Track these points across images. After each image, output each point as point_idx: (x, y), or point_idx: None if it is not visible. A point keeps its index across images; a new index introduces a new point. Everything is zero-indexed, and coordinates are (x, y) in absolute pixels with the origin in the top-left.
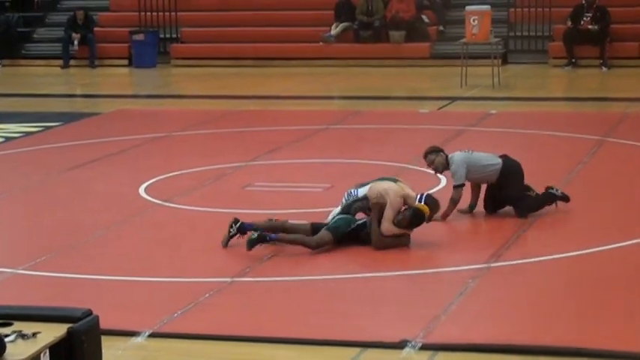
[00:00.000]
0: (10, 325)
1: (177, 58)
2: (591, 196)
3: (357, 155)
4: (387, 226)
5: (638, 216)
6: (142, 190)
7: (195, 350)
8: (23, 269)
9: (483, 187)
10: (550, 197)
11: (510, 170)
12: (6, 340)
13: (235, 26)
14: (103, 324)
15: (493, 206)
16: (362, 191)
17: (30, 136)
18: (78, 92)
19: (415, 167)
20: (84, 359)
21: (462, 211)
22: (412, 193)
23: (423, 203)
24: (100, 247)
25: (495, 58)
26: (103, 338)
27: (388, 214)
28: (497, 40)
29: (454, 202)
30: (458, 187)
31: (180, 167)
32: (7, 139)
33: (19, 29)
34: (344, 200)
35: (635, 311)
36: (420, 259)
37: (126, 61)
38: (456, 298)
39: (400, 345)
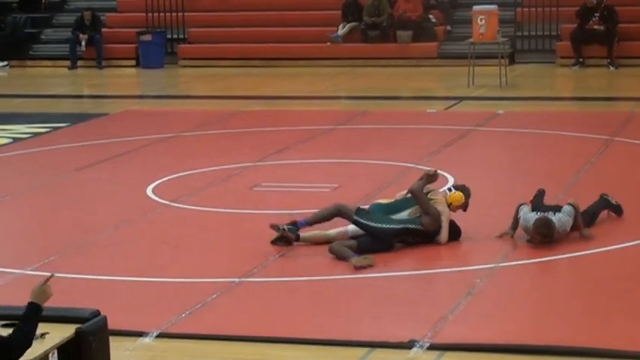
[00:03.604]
0: None
1: (184, 59)
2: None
3: (365, 155)
4: (445, 237)
5: None
6: (149, 191)
7: (202, 350)
8: (31, 270)
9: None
10: (604, 203)
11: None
12: None
13: (242, 27)
14: (111, 324)
15: None
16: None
17: (38, 137)
18: (85, 93)
19: (422, 167)
20: (92, 359)
21: (502, 235)
22: (441, 192)
23: (454, 191)
24: (108, 248)
25: (503, 57)
26: (111, 338)
27: (445, 226)
28: (504, 39)
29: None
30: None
31: (187, 167)
32: (15, 139)
33: (27, 30)
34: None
35: None
36: (428, 259)
37: (133, 62)
38: (464, 299)
39: (408, 345)
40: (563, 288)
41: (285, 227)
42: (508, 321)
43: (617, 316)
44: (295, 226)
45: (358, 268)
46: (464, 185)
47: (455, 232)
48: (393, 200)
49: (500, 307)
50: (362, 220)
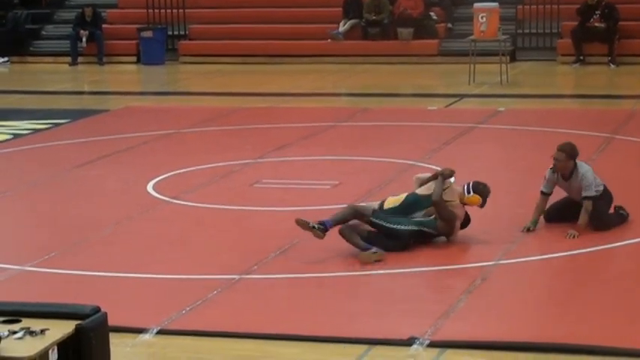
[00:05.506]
0: (18, 321)
1: (185, 55)
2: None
3: (365, 152)
4: (456, 238)
5: None
6: (150, 187)
7: (202, 347)
8: (31, 266)
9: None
10: (622, 218)
11: (606, 194)
12: (14, 337)
13: (243, 23)
14: (112, 321)
15: (558, 217)
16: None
17: (38, 133)
18: (86, 89)
19: (423, 164)
20: (92, 356)
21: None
22: (457, 190)
23: (472, 194)
24: (108, 244)
25: (503, 55)
26: (112, 335)
27: (457, 229)
28: (505, 37)
29: (589, 212)
30: (591, 199)
31: (188, 164)
32: (16, 135)
33: (28, 26)
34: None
35: None
36: (428, 256)
37: (134, 58)
38: (464, 296)
39: (408, 342)
40: (563, 285)
41: (315, 226)
42: (508, 318)
43: (618, 314)
44: (324, 226)
45: (364, 264)
46: (484, 185)
47: (465, 221)
48: (406, 195)
49: (501, 304)
50: (378, 221)
